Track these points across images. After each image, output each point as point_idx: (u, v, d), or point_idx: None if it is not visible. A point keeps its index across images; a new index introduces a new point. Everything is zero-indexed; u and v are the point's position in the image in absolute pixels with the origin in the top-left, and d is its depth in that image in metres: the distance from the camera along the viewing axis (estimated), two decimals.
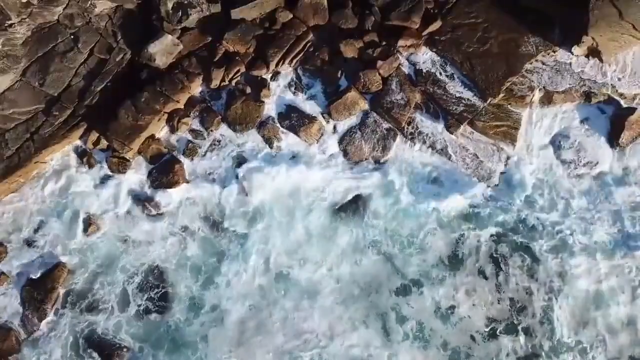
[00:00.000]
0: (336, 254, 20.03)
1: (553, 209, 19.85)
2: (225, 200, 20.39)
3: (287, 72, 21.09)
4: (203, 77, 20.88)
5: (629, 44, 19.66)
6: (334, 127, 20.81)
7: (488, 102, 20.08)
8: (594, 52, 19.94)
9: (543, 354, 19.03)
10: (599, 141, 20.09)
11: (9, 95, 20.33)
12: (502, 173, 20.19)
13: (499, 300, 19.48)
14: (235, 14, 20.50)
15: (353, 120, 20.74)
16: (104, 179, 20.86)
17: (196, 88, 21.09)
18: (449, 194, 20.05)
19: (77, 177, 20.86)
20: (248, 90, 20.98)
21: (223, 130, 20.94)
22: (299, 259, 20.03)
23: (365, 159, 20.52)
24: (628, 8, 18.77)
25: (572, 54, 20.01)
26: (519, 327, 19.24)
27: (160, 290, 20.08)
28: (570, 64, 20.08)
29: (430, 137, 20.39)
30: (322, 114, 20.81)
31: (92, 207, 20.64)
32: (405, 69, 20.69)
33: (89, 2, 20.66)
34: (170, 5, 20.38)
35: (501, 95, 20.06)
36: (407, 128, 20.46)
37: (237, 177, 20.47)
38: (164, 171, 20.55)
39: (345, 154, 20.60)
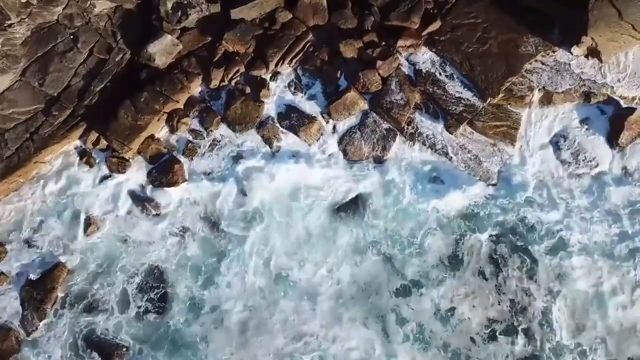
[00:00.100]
0: (336, 254, 20.04)
1: (553, 209, 19.85)
2: (224, 200, 20.39)
3: (286, 72, 21.09)
4: (202, 77, 20.87)
5: (629, 44, 19.66)
6: (334, 127, 20.82)
7: (487, 102, 20.08)
8: (593, 53, 19.94)
9: (544, 355, 19.04)
10: (599, 141, 20.11)
11: (9, 95, 20.32)
12: (501, 173, 20.19)
13: (499, 302, 19.48)
14: (235, 14, 20.50)
15: (353, 120, 20.74)
16: (104, 179, 20.85)
17: (196, 88, 21.09)
18: (448, 194, 20.06)
19: (77, 177, 20.87)
20: (248, 90, 20.99)
21: (222, 130, 20.94)
22: (298, 260, 20.04)
23: (365, 159, 20.53)
24: (627, 8, 18.77)
25: (572, 54, 20.01)
26: (519, 329, 19.26)
27: (160, 291, 20.08)
28: (570, 64, 20.07)
29: (429, 137, 20.40)
30: (321, 114, 20.81)
31: (91, 207, 20.64)
32: (405, 69, 20.69)
33: (89, 2, 20.65)
34: (169, 5, 20.37)
35: (501, 95, 20.06)
36: (407, 128, 20.46)
37: (236, 177, 20.46)
38: (164, 171, 20.55)
39: (345, 154, 20.60)
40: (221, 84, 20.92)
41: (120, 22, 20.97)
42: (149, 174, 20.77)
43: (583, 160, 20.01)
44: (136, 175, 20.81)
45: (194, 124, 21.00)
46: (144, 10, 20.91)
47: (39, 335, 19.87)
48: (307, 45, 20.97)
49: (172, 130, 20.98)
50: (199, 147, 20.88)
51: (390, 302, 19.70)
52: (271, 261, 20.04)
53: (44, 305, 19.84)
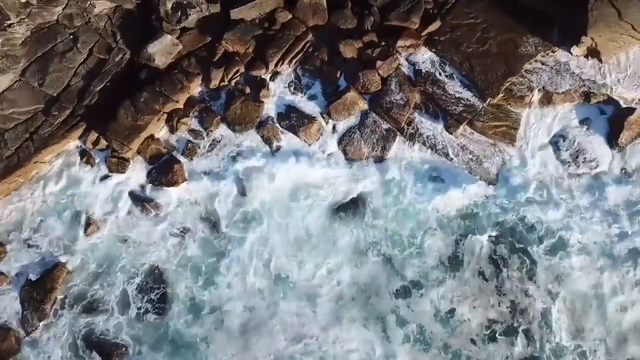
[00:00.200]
0: (336, 255, 20.03)
1: (552, 209, 19.83)
2: (224, 200, 20.37)
3: (286, 72, 21.08)
4: (202, 77, 20.87)
5: (628, 45, 19.65)
6: (334, 127, 20.81)
7: (487, 102, 20.08)
8: (593, 53, 19.93)
9: (544, 356, 19.04)
10: (599, 141, 20.09)
11: (8, 95, 20.32)
12: (501, 173, 20.18)
13: (499, 303, 19.48)
14: (235, 14, 20.49)
15: (352, 120, 20.73)
16: (103, 179, 20.84)
17: (195, 88, 21.09)
18: (448, 194, 20.05)
19: (77, 177, 20.86)
20: (247, 90, 20.98)
21: (222, 131, 20.93)
22: (298, 261, 20.03)
23: (365, 159, 20.52)
24: (627, 8, 18.76)
25: (572, 54, 20.00)
26: (519, 330, 19.26)
27: (160, 291, 20.08)
28: (570, 64, 20.06)
29: (429, 137, 20.39)
30: (321, 114, 20.81)
31: (91, 207, 20.64)
32: (405, 69, 20.68)
33: (88, 2, 20.65)
34: (169, 5, 20.36)
35: (500, 95, 20.05)
36: (407, 128, 20.46)
37: (236, 177, 20.45)
38: (164, 171, 20.55)
39: (345, 154, 20.60)
40: (221, 84, 20.92)
41: (120, 22, 20.96)
42: (148, 174, 20.77)
43: (583, 161, 20.00)
44: (136, 175, 20.81)
45: (194, 124, 20.99)
46: (144, 10, 20.90)
47: (39, 336, 19.87)
48: (307, 45, 20.96)
49: (172, 130, 20.98)
50: (199, 147, 20.87)
51: (391, 303, 19.69)
52: (271, 262, 20.03)
53: (44, 306, 19.85)
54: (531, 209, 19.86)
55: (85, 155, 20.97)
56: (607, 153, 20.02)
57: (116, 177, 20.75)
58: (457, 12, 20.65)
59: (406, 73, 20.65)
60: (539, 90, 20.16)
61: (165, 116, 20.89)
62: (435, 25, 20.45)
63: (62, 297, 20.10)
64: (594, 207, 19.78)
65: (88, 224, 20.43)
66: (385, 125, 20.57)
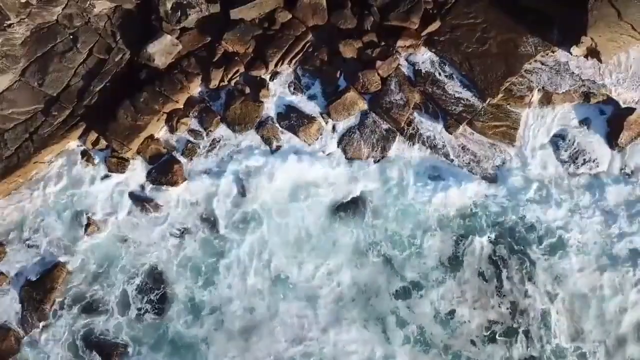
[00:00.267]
0: (336, 255, 20.02)
1: (552, 209, 19.82)
2: (224, 200, 20.37)
3: (286, 72, 21.07)
4: (202, 77, 20.87)
5: (628, 45, 19.66)
6: (333, 127, 20.81)
7: (487, 102, 20.08)
8: (592, 53, 19.94)
9: (544, 357, 19.03)
10: (598, 141, 20.09)
11: (8, 95, 20.32)
12: (501, 173, 20.18)
13: (499, 304, 19.46)
14: (235, 14, 20.49)
15: (352, 120, 20.73)
16: (103, 179, 20.81)
17: (195, 88, 21.09)
18: (448, 194, 20.05)
19: (77, 177, 20.84)
20: (247, 90, 20.98)
21: (222, 131, 20.93)
22: (298, 262, 20.01)
23: (365, 159, 20.52)
24: (627, 8, 18.77)
25: (571, 54, 20.00)
26: (519, 331, 19.24)
27: (160, 291, 20.06)
28: (569, 64, 20.06)
29: (429, 137, 20.39)
30: (321, 114, 20.81)
31: (91, 207, 20.63)
32: (404, 69, 20.68)
33: (88, 2, 20.65)
34: (169, 5, 20.36)
35: (500, 95, 20.06)
36: (406, 128, 20.46)
37: (236, 177, 20.45)
38: (163, 171, 20.54)
39: (345, 154, 20.59)
40: (221, 84, 20.92)
41: (120, 22, 20.96)
42: (148, 174, 20.77)
43: (582, 161, 20.00)
44: (136, 175, 20.79)
45: (194, 124, 20.99)
46: (144, 10, 20.90)
47: (39, 336, 19.86)
48: (307, 45, 20.96)
49: (172, 130, 20.98)
50: (199, 147, 20.87)
51: (391, 304, 19.67)
52: (271, 263, 20.01)
53: (44, 306, 19.84)
54: (531, 209, 19.85)
55: (85, 156, 20.96)
56: (607, 153, 20.03)
57: (116, 177, 20.75)
58: (456, 12, 20.66)
59: (406, 73, 20.66)
60: (538, 90, 20.16)
61: (165, 116, 20.89)
62: (435, 26, 20.45)
63: (61, 297, 20.08)
64: (594, 207, 19.77)
65: (88, 224, 20.42)
66: (385, 125, 20.57)
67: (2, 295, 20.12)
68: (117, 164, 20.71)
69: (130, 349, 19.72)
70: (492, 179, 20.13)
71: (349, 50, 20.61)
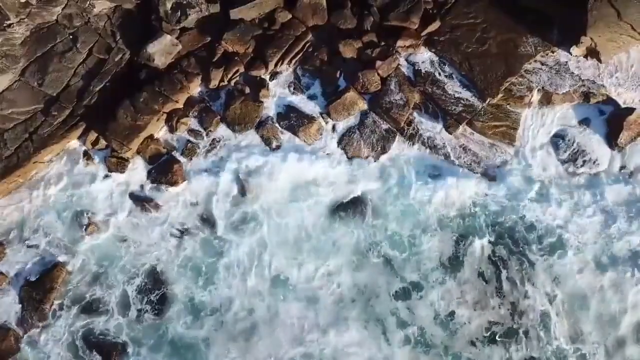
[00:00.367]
0: (336, 256, 19.99)
1: (552, 209, 19.82)
2: (224, 200, 20.36)
3: (286, 72, 21.07)
4: (202, 77, 20.87)
5: (628, 45, 19.67)
6: (333, 127, 20.81)
7: (487, 102, 20.09)
8: (592, 53, 19.95)
9: (544, 357, 19.01)
10: (598, 141, 20.10)
11: (8, 95, 20.31)
12: (500, 173, 20.17)
13: (499, 304, 19.44)
14: (234, 14, 20.49)
15: (352, 120, 20.73)
16: (103, 179, 20.79)
17: (195, 88, 21.09)
18: (448, 194, 20.05)
19: (76, 177, 20.82)
20: (247, 90, 20.98)
21: (222, 131, 20.93)
22: (298, 263, 19.98)
23: (365, 159, 20.52)
24: (626, 8, 18.78)
25: (571, 54, 20.01)
26: (519, 331, 19.22)
27: (160, 292, 20.04)
28: (569, 64, 20.07)
29: (429, 137, 20.39)
30: (321, 114, 20.80)
31: (91, 207, 20.61)
32: (404, 69, 20.69)
33: (88, 2, 20.65)
34: (169, 5, 20.36)
35: (500, 95, 20.07)
36: (406, 128, 20.46)
37: (235, 177, 20.44)
38: (163, 171, 20.54)
39: (345, 154, 20.59)
40: (220, 84, 20.92)
41: (120, 22, 20.96)
42: (148, 174, 20.76)
43: (582, 160, 20.01)
44: (136, 175, 20.78)
45: (194, 124, 20.99)
46: (144, 10, 20.90)
47: (38, 336, 19.83)
48: (307, 45, 20.96)
49: (172, 130, 20.97)
50: (199, 147, 20.86)
51: (391, 304, 19.65)
52: (271, 263, 19.99)
53: (43, 306, 19.82)
54: (531, 209, 19.84)
55: (84, 155, 20.95)
56: (607, 153, 20.03)
57: (116, 177, 20.73)
58: (456, 12, 20.67)
59: (406, 73, 20.66)
60: (538, 90, 20.17)
61: (164, 116, 20.89)
62: (434, 26, 20.47)
63: (61, 297, 20.06)
64: (594, 207, 19.77)
65: (88, 224, 20.41)
66: (384, 125, 20.57)
67: (2, 295, 20.10)
68: (117, 164, 20.71)
69: (130, 350, 19.70)
70: (492, 179, 20.13)
71: (348, 50, 20.62)
